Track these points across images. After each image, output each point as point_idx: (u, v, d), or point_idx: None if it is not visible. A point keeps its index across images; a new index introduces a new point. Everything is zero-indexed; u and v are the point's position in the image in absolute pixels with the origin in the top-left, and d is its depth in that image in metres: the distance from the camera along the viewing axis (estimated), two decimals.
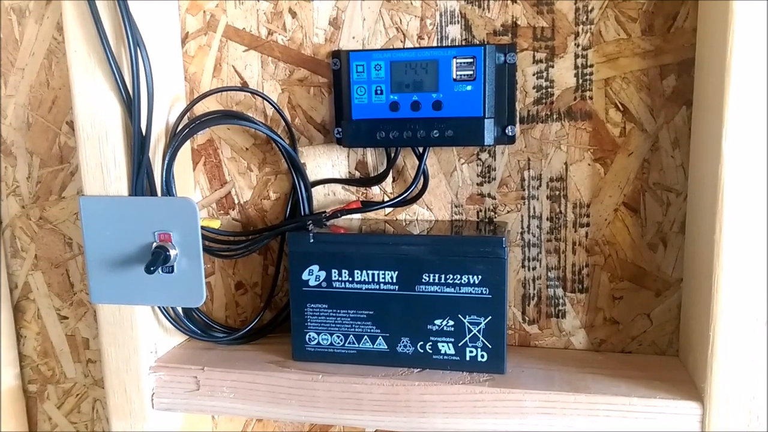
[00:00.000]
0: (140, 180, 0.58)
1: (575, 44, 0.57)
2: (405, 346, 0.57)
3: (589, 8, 0.56)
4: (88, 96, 0.57)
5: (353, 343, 0.58)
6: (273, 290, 0.66)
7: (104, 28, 0.55)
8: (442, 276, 0.55)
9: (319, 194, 0.65)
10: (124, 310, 0.60)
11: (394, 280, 0.56)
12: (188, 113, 0.63)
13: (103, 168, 0.58)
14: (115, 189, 0.58)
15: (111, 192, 0.58)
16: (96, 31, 0.55)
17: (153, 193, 0.59)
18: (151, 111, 0.57)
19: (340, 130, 0.61)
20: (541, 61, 0.58)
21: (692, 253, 0.55)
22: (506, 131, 0.58)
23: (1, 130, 0.73)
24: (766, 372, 0.49)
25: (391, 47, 0.60)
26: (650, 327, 0.60)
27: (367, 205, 0.62)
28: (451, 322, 0.55)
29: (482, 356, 0.56)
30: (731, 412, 0.50)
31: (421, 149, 0.59)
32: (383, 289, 0.56)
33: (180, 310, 0.64)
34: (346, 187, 0.64)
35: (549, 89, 0.58)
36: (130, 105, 0.56)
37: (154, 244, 0.57)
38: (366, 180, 0.63)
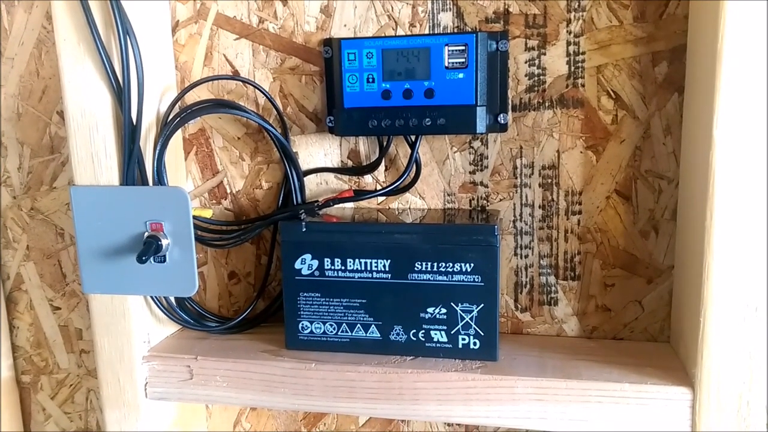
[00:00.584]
0: (131, 169, 0.57)
1: (567, 31, 0.57)
2: (398, 334, 0.57)
3: None
4: (78, 85, 0.57)
5: (346, 332, 0.58)
6: (266, 279, 0.66)
7: (93, 17, 0.55)
8: (435, 264, 0.55)
9: (311, 183, 0.65)
10: (117, 300, 0.60)
11: (387, 269, 0.56)
12: (179, 102, 0.62)
13: (94, 158, 0.58)
14: (106, 179, 0.58)
15: (102, 182, 0.58)
16: (85, 20, 0.54)
17: (144, 182, 0.59)
18: (141, 100, 0.57)
19: (332, 118, 0.61)
20: (533, 48, 0.58)
21: (684, 240, 0.55)
22: (498, 119, 0.58)
23: None
24: (759, 358, 0.49)
25: (383, 35, 0.60)
26: (642, 314, 0.60)
27: (360, 194, 0.62)
28: (444, 310, 0.56)
29: (475, 344, 0.56)
30: (721, 398, 0.50)
31: (413, 137, 0.59)
32: (376, 278, 0.56)
33: (173, 299, 0.64)
34: (339, 176, 0.64)
35: (541, 77, 0.58)
36: (120, 94, 0.56)
37: (146, 234, 0.57)
38: (358, 169, 0.63)
